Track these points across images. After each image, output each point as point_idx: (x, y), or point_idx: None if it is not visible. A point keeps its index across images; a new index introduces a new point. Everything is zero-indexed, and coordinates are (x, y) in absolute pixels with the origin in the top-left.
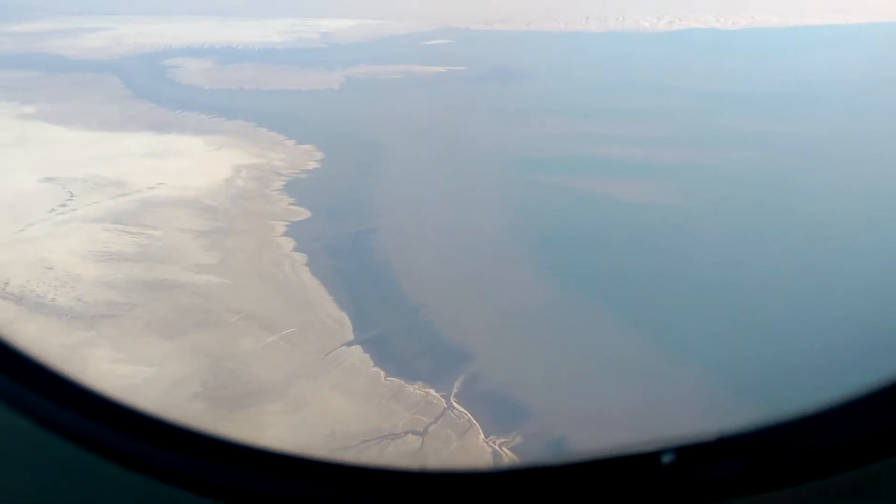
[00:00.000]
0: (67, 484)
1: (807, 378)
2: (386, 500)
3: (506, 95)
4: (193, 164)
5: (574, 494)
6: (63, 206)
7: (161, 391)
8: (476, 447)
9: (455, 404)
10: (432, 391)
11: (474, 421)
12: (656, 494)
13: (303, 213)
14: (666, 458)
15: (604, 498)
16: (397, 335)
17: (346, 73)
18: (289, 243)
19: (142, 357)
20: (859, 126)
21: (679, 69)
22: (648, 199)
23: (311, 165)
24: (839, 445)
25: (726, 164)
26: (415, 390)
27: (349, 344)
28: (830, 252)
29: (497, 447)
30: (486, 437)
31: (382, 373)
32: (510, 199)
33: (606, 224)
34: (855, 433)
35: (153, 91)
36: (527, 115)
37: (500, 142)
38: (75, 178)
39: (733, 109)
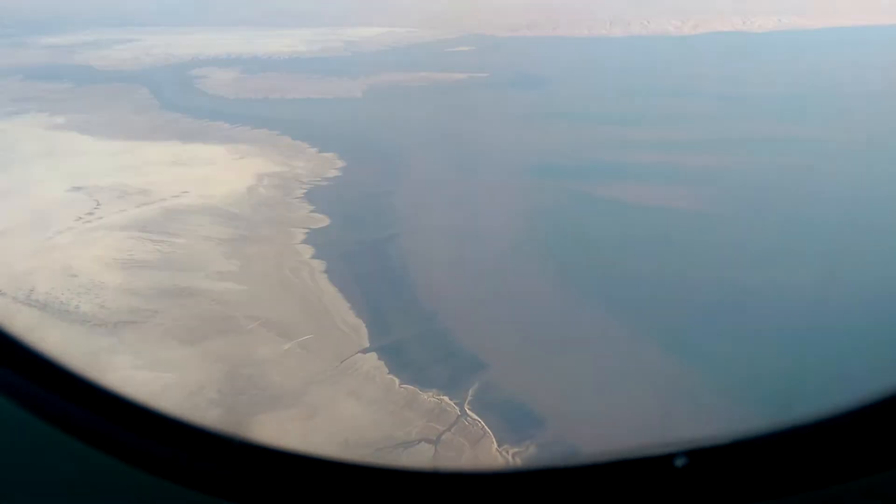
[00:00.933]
0: (71, 477)
1: (823, 386)
2: (398, 500)
3: (527, 101)
4: (217, 172)
5: (587, 496)
6: (90, 214)
7: (179, 397)
8: (489, 456)
9: (469, 412)
10: (446, 399)
11: (488, 429)
12: (669, 497)
13: (323, 221)
14: (679, 462)
15: (616, 500)
16: (413, 343)
17: (369, 81)
18: (308, 251)
19: (161, 363)
20: (891, 130)
21: (703, 73)
22: (670, 205)
23: (332, 173)
24: (851, 451)
25: (750, 169)
26: (429, 398)
27: (365, 351)
28: (854, 260)
29: (510, 456)
30: (499, 446)
31: (397, 380)
32: (529, 206)
33: (628, 231)
34: (867, 439)
35: (180, 101)
36: (548, 120)
37: (520, 148)
38: (102, 187)
39: (758, 114)
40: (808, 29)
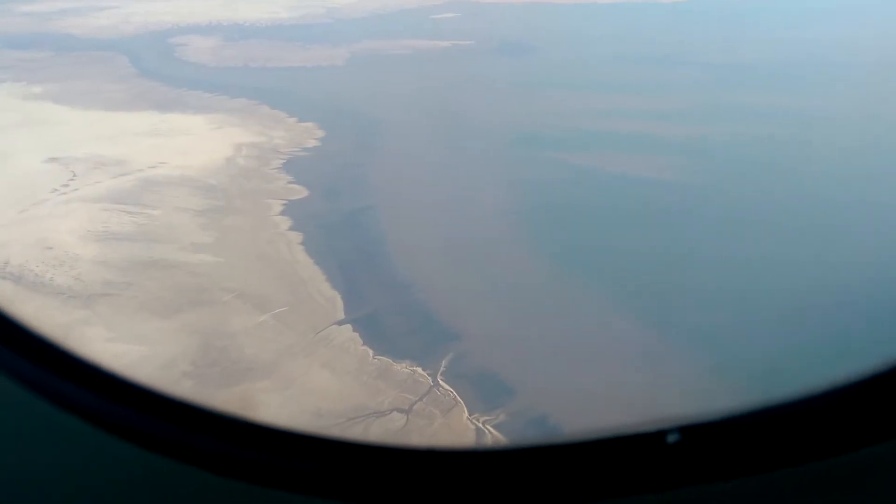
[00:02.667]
0: (64, 454)
1: (814, 362)
2: (390, 478)
3: (512, 70)
4: (195, 142)
5: (578, 473)
6: (65, 185)
7: (152, 369)
8: (460, 425)
9: (441, 382)
10: (419, 370)
11: (459, 399)
12: (661, 474)
13: (300, 192)
14: (671, 438)
15: (608, 477)
16: (388, 314)
17: (351, 49)
18: (285, 222)
19: (135, 336)
20: (888, 100)
21: (692, 40)
22: (653, 176)
23: (312, 143)
24: (843, 426)
25: (738, 139)
26: (402, 368)
27: (340, 323)
28: (843, 236)
29: (480, 425)
30: (470, 414)
31: (371, 351)
32: (511, 176)
33: (608, 201)
34: (859, 414)
35: (159, 69)
36: (532, 89)
37: (503, 117)
38: (78, 157)
39: (748, 82)
40: None
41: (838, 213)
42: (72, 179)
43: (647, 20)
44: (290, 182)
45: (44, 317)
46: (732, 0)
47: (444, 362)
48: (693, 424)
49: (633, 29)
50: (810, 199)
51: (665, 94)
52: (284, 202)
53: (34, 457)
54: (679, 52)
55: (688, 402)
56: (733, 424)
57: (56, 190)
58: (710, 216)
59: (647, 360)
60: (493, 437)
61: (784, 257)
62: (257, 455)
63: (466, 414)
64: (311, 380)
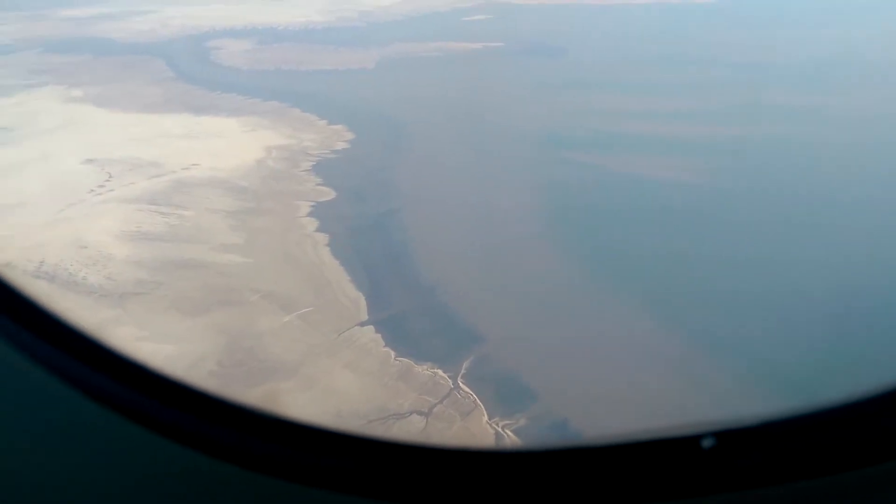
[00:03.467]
0: (64, 426)
1: (836, 370)
2: (405, 475)
3: (542, 71)
4: (227, 145)
5: (612, 477)
6: (101, 186)
7: (180, 368)
8: (479, 428)
9: (462, 385)
10: (440, 372)
11: (479, 402)
12: (696, 479)
13: (329, 194)
14: (706, 443)
15: (642, 481)
16: (411, 316)
17: (382, 52)
18: (312, 224)
19: (164, 335)
20: None
21: (728, 41)
22: (680, 178)
23: (341, 146)
24: (883, 434)
25: (766, 140)
26: (423, 370)
27: (363, 324)
28: (869, 237)
29: (500, 429)
30: (489, 418)
31: (393, 353)
32: (537, 179)
33: (635, 204)
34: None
35: (195, 73)
36: (562, 91)
37: (531, 119)
38: (115, 159)
39: (784, 82)
40: None
41: (864, 215)
42: (108, 180)
43: (685, 20)
44: (318, 184)
45: (76, 315)
46: (766, 0)
47: (465, 365)
48: (729, 430)
49: (663, 30)
50: (837, 200)
51: (697, 94)
52: (312, 204)
53: (65, 447)
54: (708, 52)
55: (714, 409)
56: (770, 430)
57: (93, 191)
58: (735, 219)
59: (671, 364)
60: (512, 441)
61: (811, 260)
62: (277, 448)
63: (486, 417)
64: (334, 380)
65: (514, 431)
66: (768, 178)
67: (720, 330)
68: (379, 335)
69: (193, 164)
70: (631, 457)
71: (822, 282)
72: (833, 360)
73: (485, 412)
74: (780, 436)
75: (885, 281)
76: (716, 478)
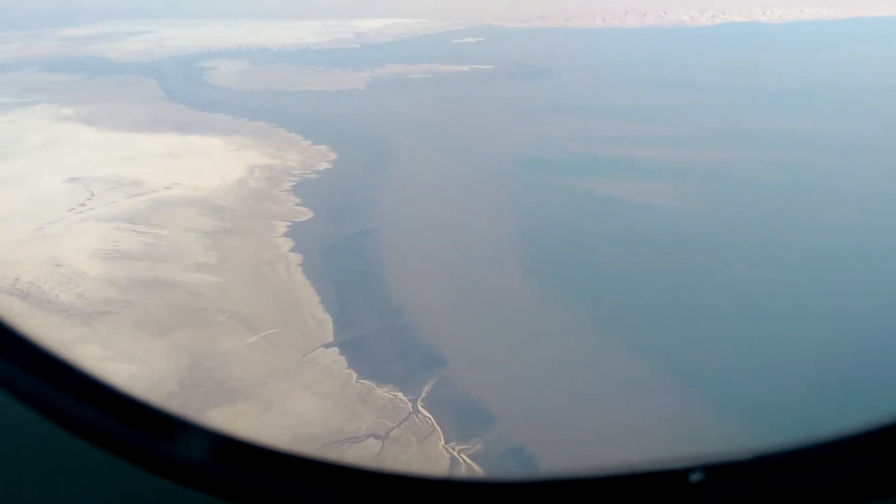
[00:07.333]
0: (62, 471)
1: (827, 398)
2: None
3: (527, 94)
4: (211, 164)
5: None
6: (83, 205)
7: (140, 388)
8: (435, 453)
9: (421, 409)
10: (401, 395)
11: (437, 426)
12: None
13: (306, 214)
14: (695, 477)
15: None
16: (377, 337)
17: (373, 73)
18: (287, 244)
19: (128, 354)
20: None
21: (715, 65)
22: (660, 203)
23: (323, 166)
24: (875, 471)
25: (755, 165)
26: (384, 393)
27: (327, 345)
28: (857, 263)
29: (455, 453)
30: (446, 442)
31: (355, 375)
32: (515, 201)
33: (612, 228)
34: (890, 459)
35: (185, 92)
36: (546, 114)
37: (513, 142)
38: (98, 178)
39: (769, 107)
40: (831, 19)
41: (861, 240)
42: (89, 199)
43: (674, 44)
44: (297, 204)
45: (44, 334)
46: (758, 24)
47: (426, 388)
48: (721, 463)
49: (654, 53)
50: (830, 225)
51: (682, 118)
52: (289, 224)
53: (27, 469)
54: (703, 76)
55: (685, 443)
56: (759, 464)
57: (73, 209)
58: (717, 244)
59: (640, 392)
60: (468, 466)
61: (801, 286)
62: (228, 471)
63: (443, 442)
64: (292, 403)
65: (470, 456)
66: (755, 203)
67: (693, 355)
68: (343, 357)
69: (175, 183)
70: (618, 489)
71: (821, 307)
72: (825, 390)
73: (442, 436)
74: (770, 470)
75: (877, 306)
76: None
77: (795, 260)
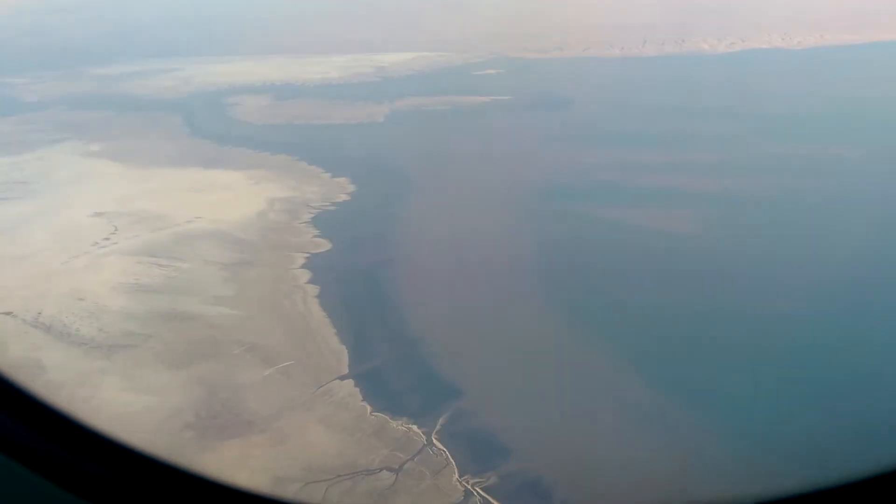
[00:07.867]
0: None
1: (843, 439)
2: None
3: (546, 124)
4: (232, 197)
5: None
6: (106, 239)
7: (157, 420)
8: (448, 486)
9: (435, 442)
10: (415, 427)
11: (451, 459)
12: None
13: (324, 245)
14: None
15: None
16: (392, 369)
17: (393, 106)
18: (305, 275)
19: (146, 386)
20: None
21: (735, 93)
22: (680, 231)
23: (342, 198)
24: None
25: (776, 192)
26: (398, 426)
27: (342, 378)
28: (877, 295)
29: (469, 486)
30: (460, 476)
31: (369, 407)
32: (533, 232)
33: (635, 260)
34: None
35: (209, 128)
36: (565, 143)
37: (532, 172)
38: (122, 212)
39: (790, 134)
40: (853, 44)
41: (873, 268)
42: (113, 233)
43: (693, 72)
44: (315, 236)
45: (66, 366)
46: (778, 51)
47: (440, 420)
48: None
49: (676, 81)
50: (843, 253)
51: (700, 146)
52: (307, 255)
53: None
54: (721, 103)
55: (700, 481)
56: None
57: (97, 243)
58: (738, 274)
59: (655, 426)
60: (482, 499)
61: (817, 315)
62: None
63: (457, 475)
64: (307, 435)
65: (485, 489)
66: (772, 231)
67: (720, 391)
68: (358, 389)
69: (197, 217)
70: None
71: (835, 338)
72: (836, 425)
73: (456, 469)
74: None
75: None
76: None
77: (826, 295)
